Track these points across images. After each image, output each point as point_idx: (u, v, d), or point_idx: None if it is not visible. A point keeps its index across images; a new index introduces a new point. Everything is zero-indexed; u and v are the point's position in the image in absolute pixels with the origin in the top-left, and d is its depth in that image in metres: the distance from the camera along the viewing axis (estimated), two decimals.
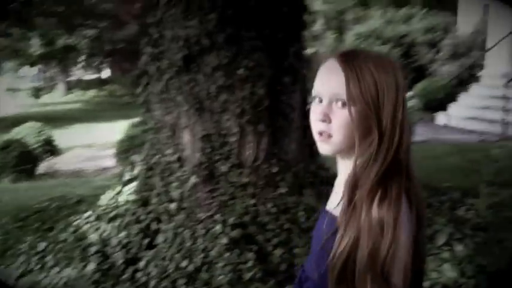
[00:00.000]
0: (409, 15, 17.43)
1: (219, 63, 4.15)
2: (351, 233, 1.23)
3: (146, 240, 4.10)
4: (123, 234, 4.18)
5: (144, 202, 4.33)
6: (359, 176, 1.27)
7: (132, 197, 4.46)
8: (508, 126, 10.51)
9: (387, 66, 1.30)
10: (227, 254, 3.71)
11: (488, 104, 11.84)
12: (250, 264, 3.60)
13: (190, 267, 3.67)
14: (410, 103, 13.32)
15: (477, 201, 4.67)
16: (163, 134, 4.41)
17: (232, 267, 3.58)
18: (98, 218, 4.47)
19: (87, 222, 4.49)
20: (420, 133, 10.69)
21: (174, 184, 4.24)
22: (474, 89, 12.95)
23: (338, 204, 1.30)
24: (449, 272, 3.46)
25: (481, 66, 13.50)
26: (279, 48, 4.33)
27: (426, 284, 3.37)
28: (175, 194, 4.21)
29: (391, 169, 1.26)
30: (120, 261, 3.94)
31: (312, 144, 4.47)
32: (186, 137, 4.28)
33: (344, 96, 1.26)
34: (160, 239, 4.06)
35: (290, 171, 4.30)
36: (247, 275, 3.49)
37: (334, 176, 4.52)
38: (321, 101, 1.31)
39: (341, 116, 1.27)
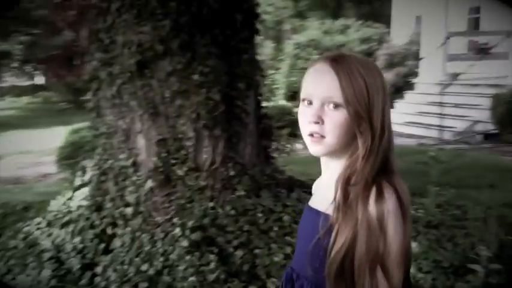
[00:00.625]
0: (346, 26, 17.96)
1: (173, 68, 4.18)
2: (348, 230, 1.27)
3: (102, 245, 4.05)
4: (77, 239, 4.11)
5: (97, 207, 4.29)
6: (352, 175, 1.31)
7: (85, 202, 4.41)
8: (443, 130, 11.00)
9: (373, 69, 1.36)
10: (188, 257, 3.72)
11: (423, 110, 12.36)
12: (212, 266, 3.62)
13: (151, 271, 3.66)
14: None
15: (426, 201, 4.87)
16: (116, 139, 4.38)
17: (195, 269, 3.59)
18: (50, 224, 4.39)
19: (38, 229, 4.40)
20: None
21: (130, 188, 4.22)
22: (410, 96, 13.49)
23: (332, 202, 1.33)
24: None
25: (415, 74, 14.08)
26: (233, 55, 4.40)
27: None
28: (130, 198, 4.19)
29: (382, 166, 1.32)
30: (77, 267, 3.88)
31: (266, 147, 4.57)
32: (140, 142, 4.27)
33: (336, 99, 1.30)
34: (117, 243, 4.03)
35: (247, 174, 4.37)
36: (211, 277, 3.51)
37: (289, 178, 4.64)
38: (310, 103, 1.35)
39: (334, 118, 1.31)
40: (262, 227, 4.04)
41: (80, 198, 4.48)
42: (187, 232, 3.89)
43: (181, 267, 3.68)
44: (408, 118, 12.52)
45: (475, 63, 12.31)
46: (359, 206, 1.28)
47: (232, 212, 4.11)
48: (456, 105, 11.49)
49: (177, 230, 3.93)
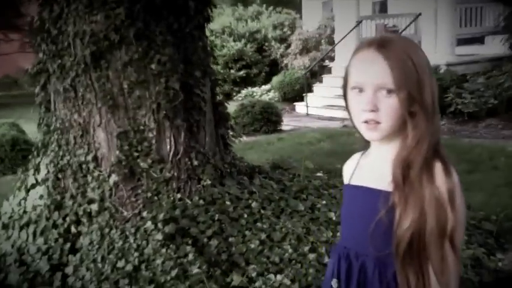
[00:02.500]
0: (258, 13, 18.10)
1: (130, 58, 4.05)
2: (414, 209, 1.32)
3: (68, 245, 3.88)
4: (40, 240, 3.91)
5: (57, 206, 4.09)
6: (409, 155, 1.36)
7: (41, 202, 4.19)
8: None
9: (418, 48, 1.40)
10: (163, 250, 3.65)
11: (341, 93, 12.75)
12: (191, 257, 3.58)
13: (128, 267, 3.56)
14: (270, 95, 13.91)
15: None
16: (72, 134, 4.19)
17: (173, 262, 3.53)
18: (6, 227, 4.13)
19: None
20: (286, 122, 11.26)
21: (92, 184, 4.06)
22: (327, 79, 13.88)
23: (390, 181, 1.37)
24: None
25: (331, 59, 14.50)
26: (188, 42, 4.33)
27: None
28: (94, 194, 4.03)
29: (436, 144, 1.37)
30: (46, 269, 3.69)
31: (223, 135, 4.56)
32: (100, 136, 4.12)
33: (388, 85, 1.33)
34: (84, 241, 3.88)
35: (209, 163, 4.34)
36: (193, 268, 3.47)
37: (249, 166, 4.71)
38: (360, 91, 1.38)
39: (388, 104, 1.35)
40: (232, 215, 4.04)
41: (35, 197, 4.24)
42: (159, 225, 3.82)
43: (158, 261, 3.60)
44: (327, 101, 12.89)
45: None
46: (424, 184, 1.32)
47: (201, 202, 4.08)
48: None
49: (149, 224, 3.84)
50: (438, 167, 1.34)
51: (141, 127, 4.11)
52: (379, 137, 1.40)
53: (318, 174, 5.33)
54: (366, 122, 1.38)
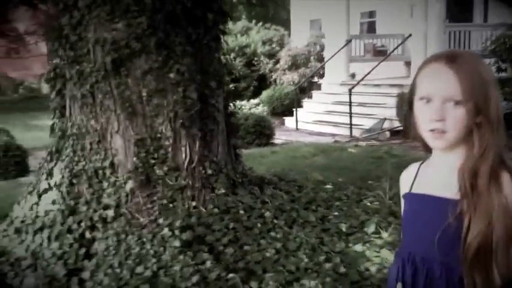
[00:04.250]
0: (248, 28, 18.27)
1: (149, 67, 4.12)
2: (483, 217, 1.38)
3: (83, 250, 3.89)
4: (55, 245, 3.91)
5: (71, 211, 4.10)
6: (476, 165, 1.42)
7: (53, 207, 4.19)
8: (353, 128, 11.59)
9: (484, 64, 1.49)
10: (181, 257, 3.69)
11: (331, 109, 12.95)
12: (209, 264, 3.62)
13: (147, 273, 3.58)
14: (259, 109, 14.01)
15: (378, 194, 5.17)
16: (88, 140, 4.22)
17: (192, 269, 3.57)
18: (18, 231, 4.12)
19: (5, 236, 4.12)
20: (277, 136, 11.36)
21: (108, 190, 4.09)
22: (317, 95, 14.06)
23: (458, 190, 1.43)
24: (389, 256, 3.85)
25: (321, 75, 14.69)
26: (205, 53, 4.41)
27: (373, 268, 3.71)
28: (109, 200, 4.06)
29: (502, 155, 1.44)
30: (62, 273, 3.69)
31: (235, 146, 4.63)
32: (118, 142, 4.15)
33: (456, 97, 1.40)
34: (99, 247, 3.89)
35: (222, 172, 4.40)
36: (212, 275, 3.51)
37: (258, 177, 4.78)
38: (428, 101, 1.45)
39: (455, 114, 1.41)
40: (246, 224, 4.11)
41: (47, 202, 4.24)
42: (176, 232, 3.86)
43: (176, 267, 3.64)
44: (317, 117, 13.05)
45: (375, 64, 13.09)
46: (493, 193, 1.39)
47: (216, 211, 4.13)
48: (362, 104, 12.15)
49: (166, 231, 3.88)
50: (505, 177, 1.41)
51: (158, 135, 4.16)
52: (444, 145, 1.47)
53: (327, 186, 5.41)
54: (432, 130, 1.44)
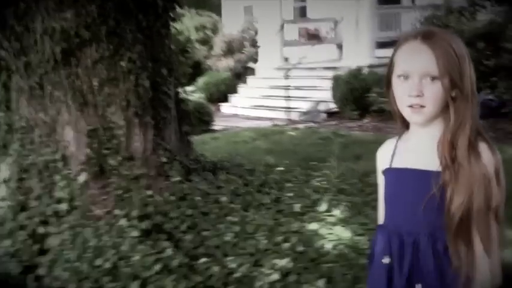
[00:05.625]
0: (180, 14, 18.05)
1: (100, 56, 4.06)
2: (465, 188, 1.48)
3: (37, 246, 3.81)
4: (7, 242, 3.82)
5: (22, 207, 4.00)
6: (453, 138, 1.52)
7: (3, 204, 4.08)
8: (290, 111, 11.79)
9: (458, 40, 1.57)
10: (141, 246, 3.69)
11: (268, 94, 13.10)
12: (169, 252, 3.64)
13: (107, 265, 3.56)
14: (195, 96, 13.97)
15: (325, 173, 5.34)
16: (37, 132, 4.12)
17: (154, 257, 3.59)
18: None
19: None
20: (216, 123, 11.39)
21: (61, 183, 4.01)
22: (252, 80, 14.17)
23: (439, 162, 1.52)
24: (343, 233, 4.01)
25: (255, 60, 14.80)
26: (155, 40, 4.39)
27: (329, 245, 3.86)
28: (62, 193, 3.99)
29: (476, 126, 1.54)
30: (17, 271, 3.62)
31: (187, 132, 4.65)
32: (69, 134, 4.08)
33: (433, 73, 1.49)
34: (55, 241, 3.82)
35: (176, 160, 4.41)
36: (175, 262, 3.54)
37: (212, 162, 4.84)
38: (406, 78, 1.53)
39: (432, 89, 1.50)
40: (203, 210, 4.15)
41: None
42: (134, 222, 3.85)
43: (137, 257, 3.64)
44: (254, 102, 13.17)
45: (309, 48, 13.36)
46: (472, 162, 1.49)
47: (172, 198, 4.15)
48: (298, 88, 12.38)
49: (123, 221, 3.86)
50: (483, 147, 1.51)
51: (111, 125, 4.12)
52: (423, 120, 1.55)
53: (279, 169, 5.53)
54: (410, 106, 1.53)
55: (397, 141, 1.72)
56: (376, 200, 4.72)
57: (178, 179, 4.28)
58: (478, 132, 1.54)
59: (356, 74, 10.99)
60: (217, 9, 19.54)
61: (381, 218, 1.78)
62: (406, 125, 1.66)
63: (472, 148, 1.50)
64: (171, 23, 4.65)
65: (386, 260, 1.62)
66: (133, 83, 4.12)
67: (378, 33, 12.39)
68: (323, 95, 11.71)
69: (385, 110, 10.27)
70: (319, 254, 3.75)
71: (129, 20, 4.14)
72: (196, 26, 17.14)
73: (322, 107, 11.65)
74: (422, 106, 1.52)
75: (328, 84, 11.53)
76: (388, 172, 1.71)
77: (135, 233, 3.77)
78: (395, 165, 1.68)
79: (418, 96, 1.51)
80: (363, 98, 10.64)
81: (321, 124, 10.86)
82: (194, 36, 16.82)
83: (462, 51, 1.53)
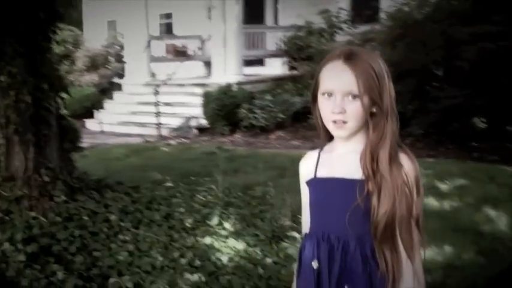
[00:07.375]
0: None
1: None
2: (388, 197, 1.59)
3: None
4: None
5: None
6: (374, 150, 1.64)
7: None
8: (161, 128, 11.68)
9: (378, 59, 1.70)
10: (28, 271, 3.47)
11: (136, 110, 12.87)
12: (60, 276, 3.46)
13: None
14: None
15: (210, 187, 5.38)
16: None
17: (44, 282, 3.39)
18: None
19: None
20: (83, 140, 10.92)
21: None
22: (118, 96, 13.82)
23: (362, 172, 1.63)
24: (236, 245, 4.07)
25: (121, 76, 14.47)
26: (37, 54, 4.17)
27: (224, 258, 3.90)
28: None
29: (396, 139, 1.67)
30: None
31: (69, 150, 4.47)
32: None
33: (354, 91, 1.61)
34: None
35: (59, 179, 4.21)
36: (67, 286, 3.37)
37: (96, 180, 4.78)
38: (330, 95, 1.65)
39: (353, 107, 1.62)
40: (92, 230, 4.00)
41: None
42: (19, 245, 3.61)
43: (25, 283, 3.42)
44: (122, 118, 12.85)
45: (178, 64, 13.35)
46: (395, 173, 1.61)
47: (58, 219, 3.96)
48: (168, 104, 12.29)
49: (7, 245, 3.61)
50: (404, 158, 1.65)
51: None
52: (346, 134, 1.67)
53: (168, 184, 5.46)
54: (334, 121, 1.64)
55: (319, 153, 1.81)
56: (263, 211, 4.90)
57: (63, 198, 4.09)
58: (399, 145, 1.67)
59: (226, 90, 11.21)
60: (78, 24, 18.83)
61: (304, 225, 1.85)
62: (329, 138, 1.76)
63: (394, 160, 1.63)
64: (52, 36, 4.43)
65: (315, 264, 1.69)
66: (13, 99, 3.88)
67: (245, 51, 12.74)
68: (193, 111, 11.76)
69: (255, 125, 10.68)
70: (216, 267, 3.78)
71: (9, 32, 3.90)
72: (57, 40, 16.34)
73: (193, 123, 11.69)
74: (344, 122, 1.63)
75: (198, 100, 11.61)
76: (313, 182, 1.79)
77: (21, 257, 3.54)
78: (320, 175, 1.76)
79: (340, 113, 1.62)
80: (234, 114, 10.90)
81: (193, 140, 10.90)
82: (56, 50, 16.03)
83: (382, 70, 1.65)
